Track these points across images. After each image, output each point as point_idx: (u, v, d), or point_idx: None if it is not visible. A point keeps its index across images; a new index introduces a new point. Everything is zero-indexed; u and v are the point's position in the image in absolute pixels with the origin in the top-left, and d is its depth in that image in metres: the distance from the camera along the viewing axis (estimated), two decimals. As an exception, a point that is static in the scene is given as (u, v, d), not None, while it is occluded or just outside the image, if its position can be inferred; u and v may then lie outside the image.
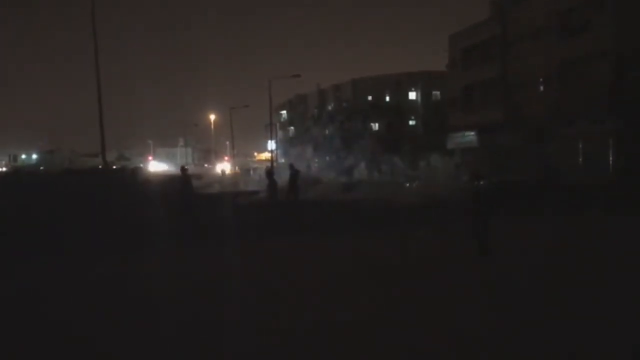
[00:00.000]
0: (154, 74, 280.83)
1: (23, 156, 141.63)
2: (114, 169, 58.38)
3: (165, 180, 32.20)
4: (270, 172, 17.62)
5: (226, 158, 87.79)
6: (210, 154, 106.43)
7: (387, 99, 62.48)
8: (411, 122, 60.41)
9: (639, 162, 24.95)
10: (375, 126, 61.96)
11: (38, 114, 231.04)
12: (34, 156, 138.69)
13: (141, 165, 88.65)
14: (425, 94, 59.95)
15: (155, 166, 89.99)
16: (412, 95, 61.32)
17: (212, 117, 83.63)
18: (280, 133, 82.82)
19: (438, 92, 57.64)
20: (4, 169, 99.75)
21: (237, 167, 64.13)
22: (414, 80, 60.21)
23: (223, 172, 59.83)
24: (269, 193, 16.84)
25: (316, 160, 61.90)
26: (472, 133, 39.50)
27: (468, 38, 41.56)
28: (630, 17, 27.83)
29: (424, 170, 33.83)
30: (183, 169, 17.98)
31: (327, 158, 58.04)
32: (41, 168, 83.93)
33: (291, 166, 21.14)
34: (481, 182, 10.82)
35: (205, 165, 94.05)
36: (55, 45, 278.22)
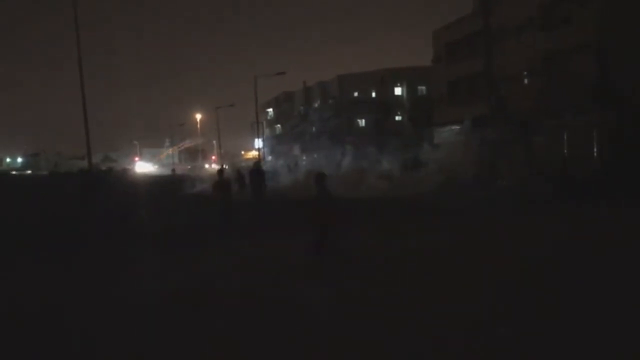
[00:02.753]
0: (139, 75, 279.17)
1: (8, 159, 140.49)
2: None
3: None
4: (221, 172, 16.89)
5: (213, 157, 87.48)
6: (197, 153, 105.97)
7: (373, 94, 62.56)
8: (397, 118, 60.53)
9: (622, 153, 25.15)
10: (362, 122, 62.04)
11: (23, 116, 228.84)
12: (19, 159, 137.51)
13: (128, 167, 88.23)
14: (411, 90, 60.05)
15: (142, 167, 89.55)
16: (398, 91, 61.41)
17: (198, 116, 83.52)
18: (267, 131, 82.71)
19: (424, 88, 57.77)
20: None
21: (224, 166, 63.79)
22: (399, 75, 60.28)
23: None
24: (216, 193, 15.76)
25: (304, 157, 61.86)
26: (458, 127, 39.61)
27: (452, 33, 41.66)
28: (613, 9, 28.07)
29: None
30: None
31: (315, 155, 58.00)
32: (28, 172, 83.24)
33: (256, 164, 21.79)
34: (324, 187, 9.24)
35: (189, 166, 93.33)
36: (40, 46, 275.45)
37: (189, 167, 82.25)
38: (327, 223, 9.04)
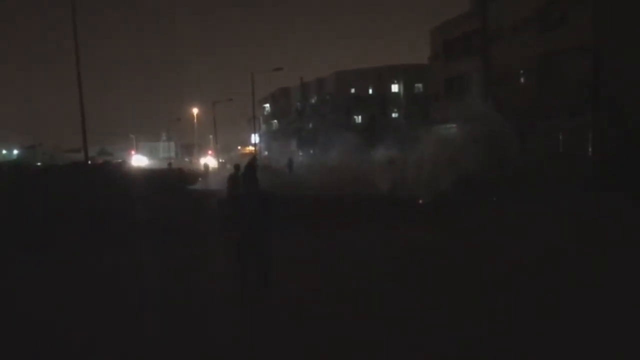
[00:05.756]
0: (136, 68, 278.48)
1: (4, 151, 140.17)
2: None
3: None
4: (237, 167, 15.65)
5: (210, 152, 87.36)
6: (193, 148, 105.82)
7: (370, 91, 62.65)
8: (394, 115, 60.67)
9: (616, 154, 25.24)
10: (359, 119, 62.16)
11: (20, 109, 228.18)
12: (15, 152, 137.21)
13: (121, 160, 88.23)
14: (407, 87, 60.18)
15: (138, 160, 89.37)
16: (395, 88, 61.53)
17: (195, 111, 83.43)
18: (263, 127, 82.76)
19: (420, 85, 57.90)
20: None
21: (220, 160, 63.85)
22: (396, 73, 60.40)
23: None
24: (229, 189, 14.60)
25: (300, 153, 61.99)
26: (454, 125, 39.72)
27: (450, 31, 41.74)
28: (609, 11, 28.16)
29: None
30: None
31: (311, 151, 58.09)
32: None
33: (253, 159, 21.17)
34: (252, 183, 6.95)
35: (186, 159, 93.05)
36: (36, 39, 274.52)
37: (186, 160, 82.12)
38: (250, 227, 6.64)
